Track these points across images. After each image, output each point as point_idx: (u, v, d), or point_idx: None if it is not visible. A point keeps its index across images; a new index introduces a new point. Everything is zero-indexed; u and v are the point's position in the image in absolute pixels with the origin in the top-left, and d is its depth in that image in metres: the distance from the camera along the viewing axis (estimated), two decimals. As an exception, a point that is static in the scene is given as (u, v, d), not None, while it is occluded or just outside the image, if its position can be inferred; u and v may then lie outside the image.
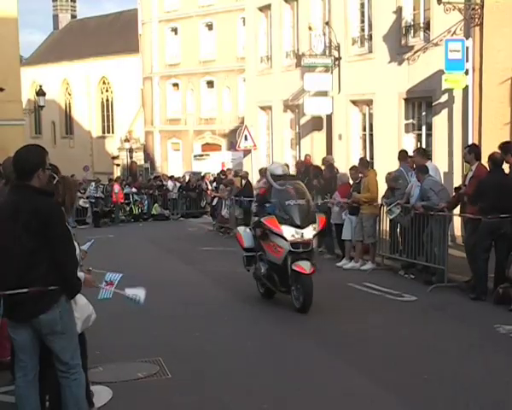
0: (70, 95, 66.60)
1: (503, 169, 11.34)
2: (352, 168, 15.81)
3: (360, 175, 15.15)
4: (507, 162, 11.37)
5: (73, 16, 77.23)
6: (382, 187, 14.77)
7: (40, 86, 34.19)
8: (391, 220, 14.15)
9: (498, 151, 11.40)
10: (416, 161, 13.81)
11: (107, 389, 7.29)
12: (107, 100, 64.24)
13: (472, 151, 12.40)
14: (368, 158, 21.21)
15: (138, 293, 6.29)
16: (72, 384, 5.52)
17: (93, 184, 31.20)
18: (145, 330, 9.81)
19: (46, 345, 5.47)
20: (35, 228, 5.24)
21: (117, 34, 60.65)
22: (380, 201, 14.82)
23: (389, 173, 14.40)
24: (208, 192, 28.79)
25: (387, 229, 14.62)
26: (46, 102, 34.37)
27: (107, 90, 64.15)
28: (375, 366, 7.94)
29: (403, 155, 15.20)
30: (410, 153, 15.63)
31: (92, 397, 6.56)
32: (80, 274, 5.71)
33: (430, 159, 15.46)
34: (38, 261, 5.28)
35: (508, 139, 14.66)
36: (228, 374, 7.83)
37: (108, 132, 63.96)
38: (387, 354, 8.49)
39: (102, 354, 8.22)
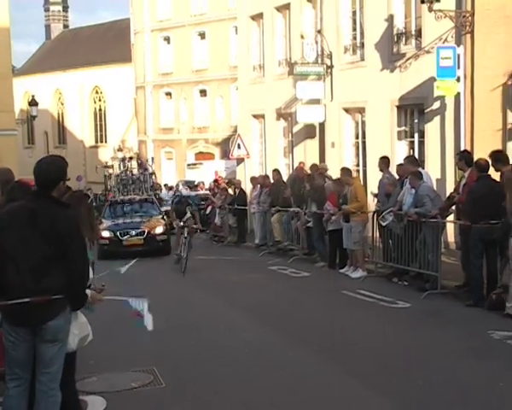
0: (63, 104, 66.57)
1: (489, 175, 11.38)
2: (336, 181, 15.83)
3: (346, 185, 15.20)
4: (497, 170, 11.39)
5: (66, 26, 77.28)
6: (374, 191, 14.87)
7: (33, 96, 34.16)
8: (383, 227, 14.18)
9: (483, 158, 11.47)
10: (407, 170, 13.83)
11: (101, 398, 7.27)
12: (100, 109, 64.23)
13: (463, 158, 12.46)
14: (361, 165, 21.31)
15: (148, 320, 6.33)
16: (50, 401, 5.49)
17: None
18: (139, 340, 9.79)
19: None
20: (54, 237, 5.27)
21: (109, 44, 60.69)
22: (373, 207, 14.87)
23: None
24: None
25: (380, 236, 14.66)
26: (39, 112, 34.32)
27: (99, 100, 64.15)
28: (369, 373, 7.94)
29: (386, 162, 15.30)
30: (402, 160, 15.69)
31: (85, 407, 6.54)
32: (87, 291, 5.72)
33: (422, 166, 15.53)
34: (52, 270, 5.30)
35: (499, 145, 14.73)
36: (222, 383, 7.81)
37: (101, 142, 63.91)
38: (382, 360, 8.49)
39: (96, 364, 8.21)
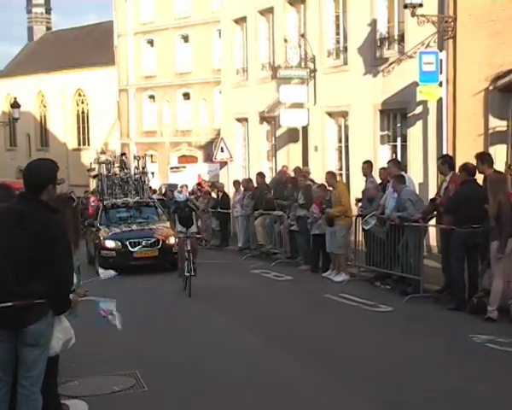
0: (45, 107, 66.18)
1: (475, 179, 11.47)
2: (320, 186, 15.86)
3: (330, 188, 15.24)
4: (481, 173, 11.47)
5: (48, 28, 76.81)
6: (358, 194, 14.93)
7: (15, 98, 33.99)
8: (366, 231, 14.22)
9: (470, 162, 11.55)
10: (391, 172, 13.91)
11: (83, 402, 7.24)
12: (83, 112, 63.91)
13: (445, 162, 12.54)
14: (344, 170, 21.37)
15: (114, 316, 6.30)
16: (31, 405, 5.45)
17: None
18: (121, 343, 9.74)
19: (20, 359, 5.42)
20: (41, 241, 5.24)
21: (92, 46, 60.42)
22: (354, 211, 14.92)
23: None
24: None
25: (363, 240, 14.70)
26: (21, 115, 34.14)
27: (82, 102, 63.82)
28: (351, 376, 7.96)
29: (370, 166, 15.37)
30: (385, 164, 15.77)
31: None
32: (70, 295, 5.70)
33: (404, 170, 15.62)
34: (37, 273, 5.27)
35: (481, 150, 14.82)
36: (205, 387, 7.80)
37: (84, 144, 63.58)
38: (364, 364, 8.51)
39: (78, 368, 8.17)
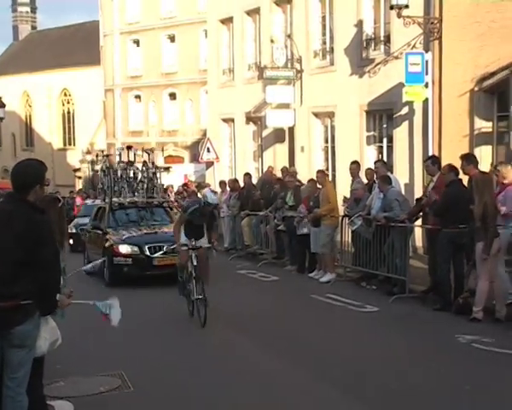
0: (30, 107, 65.87)
1: (461, 179, 11.52)
2: (311, 181, 15.88)
3: (319, 186, 15.26)
4: (466, 174, 11.53)
5: (34, 27, 76.49)
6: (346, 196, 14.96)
7: (0, 98, 33.77)
8: (353, 232, 14.26)
9: (452, 163, 11.62)
10: (379, 172, 13.96)
11: (69, 403, 7.21)
12: (69, 112, 63.67)
13: (435, 163, 12.61)
14: (330, 170, 21.40)
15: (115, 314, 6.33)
16: (17, 406, 5.43)
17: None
18: (106, 344, 9.73)
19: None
20: (28, 241, 5.21)
21: (78, 46, 60.19)
22: (341, 211, 14.94)
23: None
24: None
25: (349, 240, 14.73)
26: (6, 114, 33.89)
27: (68, 102, 63.59)
28: (338, 377, 7.97)
29: (358, 167, 15.40)
30: (372, 165, 15.82)
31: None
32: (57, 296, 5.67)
33: (390, 171, 15.67)
34: (23, 274, 5.24)
35: (467, 151, 14.88)
36: (191, 387, 7.79)
37: (70, 144, 63.37)
38: (350, 364, 8.52)
39: (64, 369, 8.14)
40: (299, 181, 17.45)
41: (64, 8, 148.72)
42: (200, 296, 10.86)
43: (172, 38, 45.67)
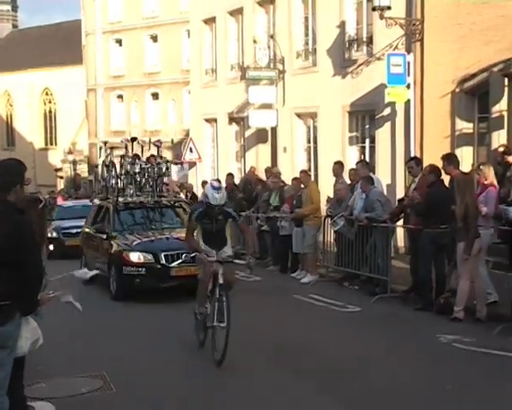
0: (11, 106, 65.46)
1: (442, 180, 11.59)
2: (295, 180, 15.89)
3: (302, 186, 15.28)
4: (448, 173, 11.59)
5: (15, 26, 76.00)
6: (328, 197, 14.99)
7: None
8: (335, 232, 14.29)
9: (434, 164, 11.68)
10: (361, 173, 13.99)
11: (50, 404, 7.16)
12: (50, 111, 63.35)
13: (418, 164, 12.67)
14: (312, 170, 21.45)
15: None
16: None
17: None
18: (88, 345, 9.69)
19: None
20: (12, 242, 5.17)
21: (60, 45, 59.88)
22: (324, 212, 14.98)
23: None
24: None
25: (332, 240, 14.77)
26: (-13, 114, 33.70)
27: (49, 102, 63.27)
28: (320, 377, 7.97)
29: (342, 167, 15.43)
30: (354, 165, 15.87)
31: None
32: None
33: (372, 171, 15.73)
34: (4, 274, 5.20)
35: (448, 151, 14.97)
36: (173, 388, 7.78)
37: (51, 144, 63.06)
38: (332, 364, 8.54)
39: (45, 370, 8.09)
40: (283, 182, 17.46)
41: (46, 7, 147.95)
42: (222, 324, 8.53)
43: (155, 38, 45.60)
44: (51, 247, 20.87)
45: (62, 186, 51.55)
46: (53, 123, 63.27)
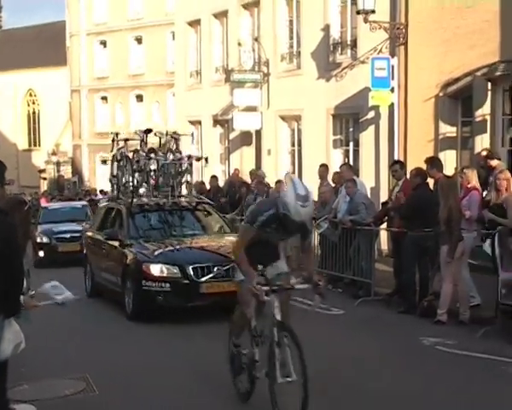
0: (-5, 107, 65.19)
1: (428, 183, 11.64)
2: (278, 182, 15.90)
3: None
4: (431, 177, 11.65)
5: (-1, 26, 75.69)
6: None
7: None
8: (319, 235, 14.31)
9: (421, 167, 11.73)
10: (345, 175, 14.03)
11: (33, 407, 7.13)
12: (34, 112, 63.11)
13: (403, 167, 12.74)
14: (296, 173, 21.48)
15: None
16: None
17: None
18: (71, 347, 9.66)
19: None
20: None
21: (44, 46, 59.65)
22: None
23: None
24: None
25: (316, 243, 14.77)
26: (-30, 114, 33.52)
27: (33, 103, 63.02)
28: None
29: (327, 170, 15.47)
30: (338, 168, 15.90)
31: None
32: (21, 297, 5.61)
33: (356, 174, 15.78)
34: None
35: (431, 155, 15.05)
36: (157, 390, 7.76)
37: (35, 145, 62.81)
38: (315, 366, 8.52)
39: (28, 372, 8.04)
40: (268, 184, 17.46)
41: (30, 8, 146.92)
42: (290, 379, 6.46)
43: (140, 40, 45.56)
44: (41, 253, 19.76)
45: (46, 188, 51.33)
46: (37, 124, 63.03)
